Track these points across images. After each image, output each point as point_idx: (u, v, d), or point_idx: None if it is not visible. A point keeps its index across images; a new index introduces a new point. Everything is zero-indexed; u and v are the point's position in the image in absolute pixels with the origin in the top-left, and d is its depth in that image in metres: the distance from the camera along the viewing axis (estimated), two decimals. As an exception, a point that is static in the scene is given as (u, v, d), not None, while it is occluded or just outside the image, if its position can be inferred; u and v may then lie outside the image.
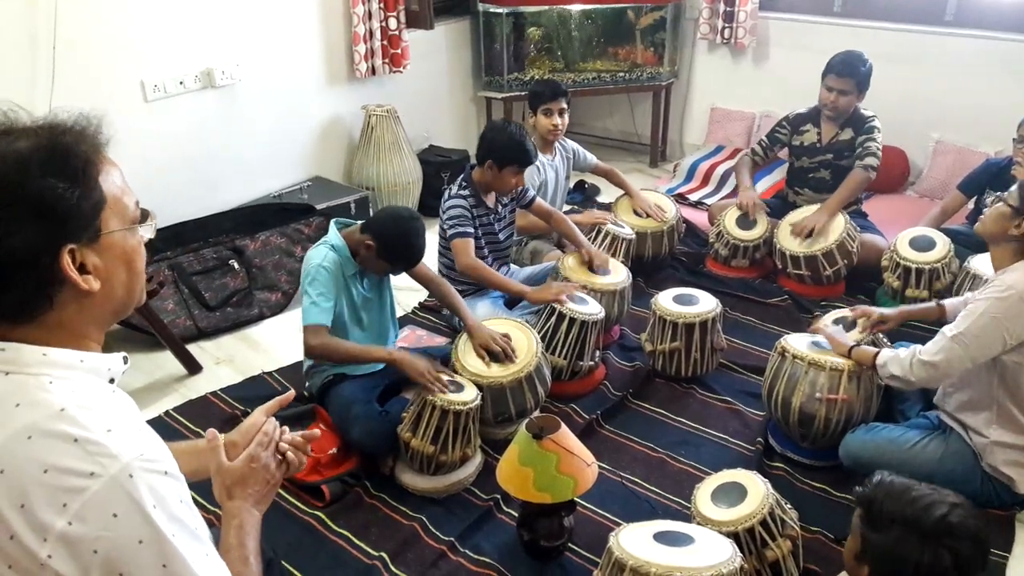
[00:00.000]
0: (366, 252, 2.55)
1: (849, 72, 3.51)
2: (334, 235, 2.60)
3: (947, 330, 2.19)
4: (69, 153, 1.02)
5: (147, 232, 1.15)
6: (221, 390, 3.01)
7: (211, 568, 1.07)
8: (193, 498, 1.10)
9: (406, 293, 3.49)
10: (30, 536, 0.94)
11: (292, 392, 1.55)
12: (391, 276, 2.80)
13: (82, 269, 1.03)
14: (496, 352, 2.62)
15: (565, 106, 3.57)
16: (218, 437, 1.35)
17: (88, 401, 1.01)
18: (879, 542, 1.61)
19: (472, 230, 3.05)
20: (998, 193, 2.33)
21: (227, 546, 1.25)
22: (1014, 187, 2.23)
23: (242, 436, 1.40)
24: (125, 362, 1.14)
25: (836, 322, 2.77)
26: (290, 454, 1.39)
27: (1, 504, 0.95)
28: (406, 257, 2.62)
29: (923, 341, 2.29)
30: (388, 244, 2.54)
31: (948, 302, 2.66)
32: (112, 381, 1.11)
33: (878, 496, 1.64)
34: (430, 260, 3.00)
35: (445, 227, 3.08)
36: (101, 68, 3.31)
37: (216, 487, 1.32)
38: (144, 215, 1.15)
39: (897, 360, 2.28)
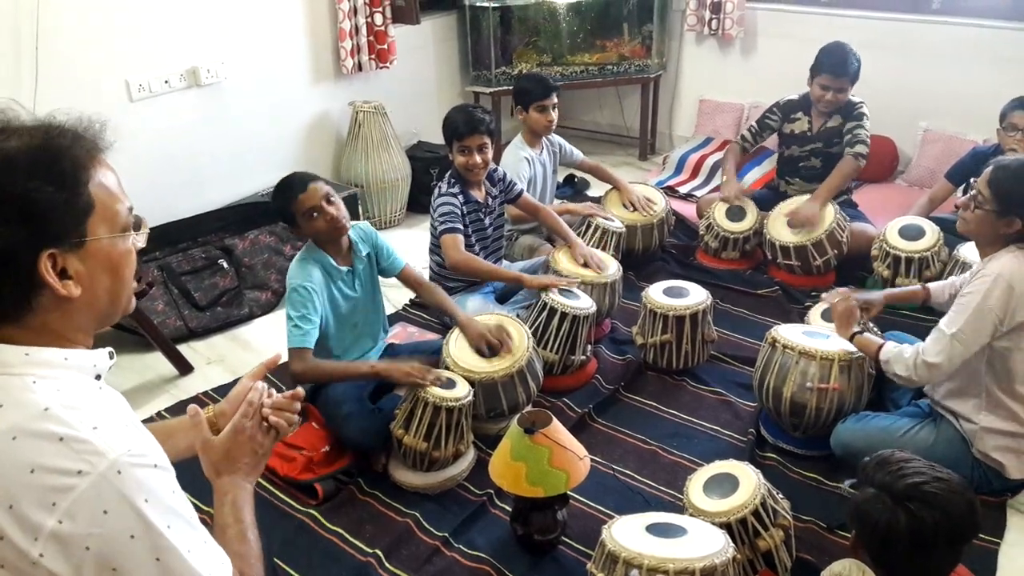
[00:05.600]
0: (305, 225, 2.47)
1: (844, 71, 3.50)
2: (311, 247, 2.57)
3: (945, 327, 2.18)
4: (59, 156, 1.00)
5: (139, 240, 1.13)
6: (212, 390, 3.00)
7: (208, 556, 1.07)
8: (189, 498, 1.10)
9: (396, 291, 3.48)
10: (20, 536, 0.94)
11: (277, 355, 1.49)
12: (380, 277, 2.80)
13: (63, 274, 1.02)
14: (493, 346, 2.61)
15: (556, 100, 3.57)
16: (200, 413, 1.33)
17: (73, 400, 1.01)
18: (856, 500, 1.69)
19: (462, 227, 3.03)
20: (969, 192, 2.31)
21: (223, 524, 1.23)
22: (980, 186, 2.19)
23: (231, 404, 1.39)
24: (111, 358, 1.13)
25: (825, 313, 2.77)
26: (272, 418, 1.33)
27: None
28: (289, 186, 2.48)
29: (912, 329, 2.29)
30: (278, 197, 2.49)
31: (933, 285, 2.67)
32: (99, 378, 1.10)
33: (870, 463, 1.72)
34: (418, 261, 2.99)
35: (435, 224, 3.07)
36: (85, 68, 3.28)
37: (204, 464, 1.30)
38: (138, 223, 1.12)
39: (902, 360, 2.26)
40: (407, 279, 2.82)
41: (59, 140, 1.02)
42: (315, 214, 2.46)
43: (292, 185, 2.48)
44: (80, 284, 1.04)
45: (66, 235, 1.01)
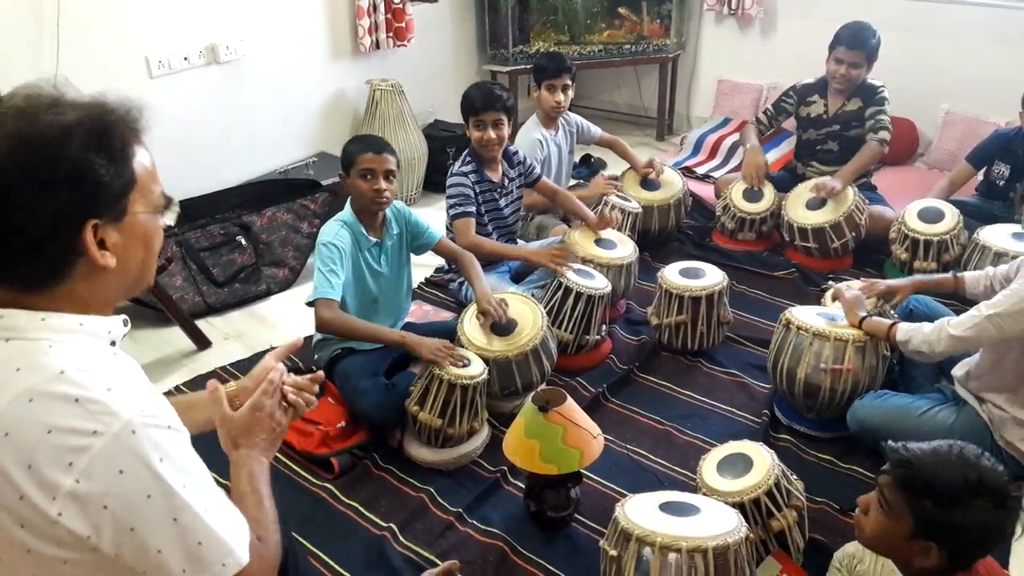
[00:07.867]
0: (354, 180, 2.58)
1: (859, 45, 3.47)
2: (347, 211, 2.62)
3: (984, 308, 2.14)
4: (110, 131, 1.06)
5: (169, 219, 1.18)
6: (230, 365, 3.03)
7: (224, 516, 1.09)
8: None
9: (412, 268, 3.50)
10: (39, 496, 0.97)
11: (300, 338, 1.55)
12: (411, 254, 2.81)
13: (101, 245, 1.06)
14: (491, 315, 2.59)
15: (569, 82, 3.54)
16: (219, 388, 1.37)
17: (88, 363, 1.04)
18: (958, 519, 1.44)
19: (473, 208, 3.04)
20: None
21: (240, 493, 1.26)
22: None
23: (254, 381, 1.42)
24: (125, 325, 1.15)
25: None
26: (292, 396, 1.39)
27: (8, 466, 0.97)
28: (367, 140, 2.66)
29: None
30: (354, 143, 2.64)
31: (967, 275, 2.59)
32: (113, 344, 1.13)
33: (926, 469, 1.48)
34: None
35: (448, 205, 3.07)
36: (106, 45, 3.29)
37: (222, 437, 1.34)
38: (168, 202, 1.18)
39: (922, 335, 2.24)
40: (443, 251, 2.86)
41: (110, 116, 1.07)
42: (368, 176, 2.55)
43: (370, 141, 2.62)
44: (115, 255, 1.08)
45: (110, 207, 1.06)
